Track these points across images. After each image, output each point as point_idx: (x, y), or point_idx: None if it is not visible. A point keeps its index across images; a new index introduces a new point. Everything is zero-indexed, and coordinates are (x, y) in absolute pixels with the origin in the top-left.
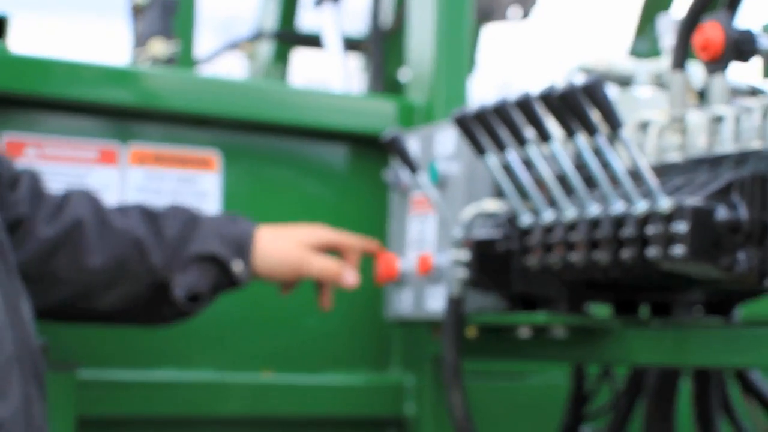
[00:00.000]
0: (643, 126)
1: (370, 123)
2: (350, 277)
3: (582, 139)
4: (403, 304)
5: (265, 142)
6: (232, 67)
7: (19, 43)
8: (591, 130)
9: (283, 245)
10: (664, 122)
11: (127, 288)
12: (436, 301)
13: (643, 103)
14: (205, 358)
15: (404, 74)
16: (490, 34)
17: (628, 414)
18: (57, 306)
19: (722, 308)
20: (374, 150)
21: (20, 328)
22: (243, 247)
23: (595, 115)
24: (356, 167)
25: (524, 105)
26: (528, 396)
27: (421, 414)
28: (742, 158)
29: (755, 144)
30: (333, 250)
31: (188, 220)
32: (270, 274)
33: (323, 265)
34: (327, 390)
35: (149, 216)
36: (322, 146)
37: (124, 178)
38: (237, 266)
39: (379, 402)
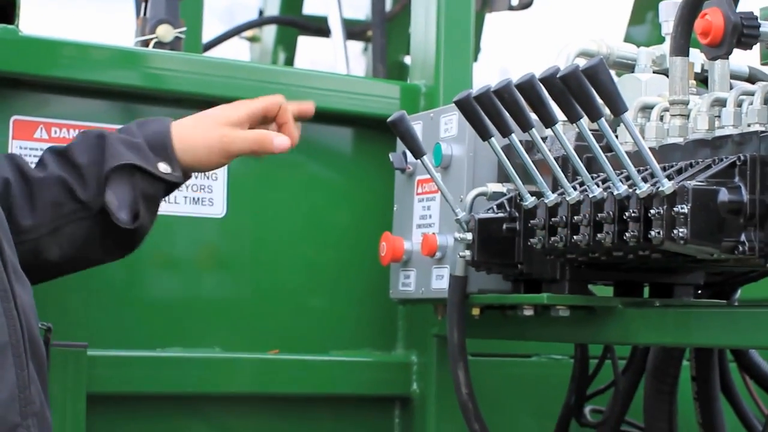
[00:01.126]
0: (645, 109)
1: (375, 106)
2: (279, 140)
3: (585, 122)
4: (408, 284)
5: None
6: (237, 54)
7: (28, 27)
8: (594, 113)
9: (203, 132)
10: (665, 105)
11: (71, 230)
12: (440, 281)
13: (644, 86)
14: (213, 338)
15: (408, 59)
16: (494, 21)
17: (630, 393)
18: None
19: (723, 290)
20: (379, 133)
21: (15, 315)
22: (163, 147)
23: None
24: (361, 150)
25: (527, 88)
26: (532, 373)
27: (425, 392)
28: (742, 140)
29: (756, 127)
30: (265, 122)
31: (96, 141)
32: (199, 163)
33: (247, 137)
34: (333, 368)
35: (61, 154)
36: (327, 129)
37: None
38: (163, 168)
39: (385, 380)
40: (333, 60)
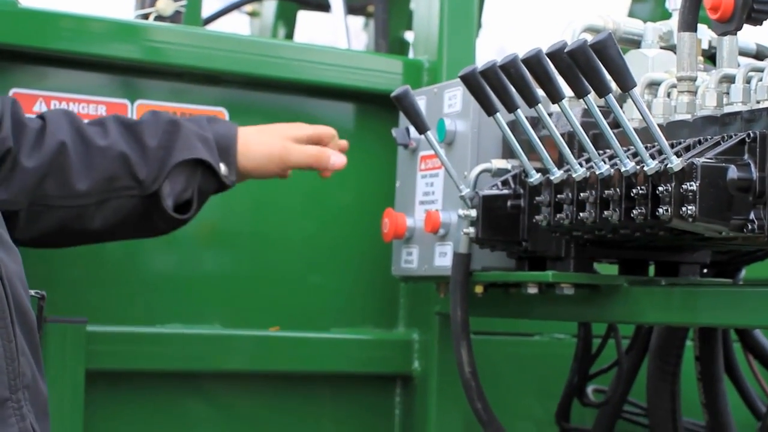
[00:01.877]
0: (652, 85)
1: (378, 81)
2: (336, 158)
3: (592, 98)
4: (410, 261)
5: (272, 100)
6: (237, 28)
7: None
8: (602, 89)
9: (266, 139)
10: (672, 81)
11: (118, 204)
12: (443, 259)
13: (651, 62)
14: (213, 315)
15: (408, 35)
16: None
17: (633, 373)
18: (53, 231)
19: (727, 270)
20: (382, 108)
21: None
22: (227, 149)
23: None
24: (364, 125)
25: (534, 63)
26: (534, 352)
27: (427, 370)
28: (752, 117)
29: (765, 104)
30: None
31: (168, 127)
32: (257, 170)
33: (307, 151)
34: (334, 346)
35: (129, 128)
36: (329, 104)
37: None
38: (223, 169)
39: (386, 358)
40: (333, 35)
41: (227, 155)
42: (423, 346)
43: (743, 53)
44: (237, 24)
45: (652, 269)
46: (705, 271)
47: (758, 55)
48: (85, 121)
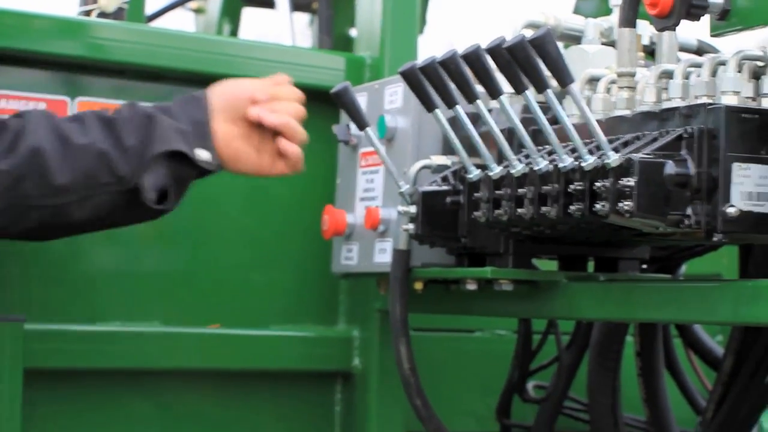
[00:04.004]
0: (592, 81)
1: (320, 78)
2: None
3: (531, 94)
4: (350, 258)
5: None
6: (182, 25)
7: None
8: (540, 84)
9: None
10: (612, 77)
11: (100, 200)
12: (383, 255)
13: (591, 58)
14: (153, 312)
15: (354, 32)
16: None
17: (573, 369)
18: (36, 227)
19: (668, 265)
20: (324, 105)
21: None
22: (204, 136)
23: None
24: (306, 122)
25: (473, 59)
26: (475, 349)
27: (367, 367)
28: (690, 112)
29: (703, 99)
30: None
31: (145, 121)
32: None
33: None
34: (274, 343)
35: (107, 124)
36: None
37: None
38: (204, 155)
39: (327, 355)
40: (279, 32)
41: (204, 141)
42: (363, 343)
43: (685, 49)
44: (182, 21)
45: (592, 265)
46: (645, 266)
47: (699, 51)
48: (64, 118)
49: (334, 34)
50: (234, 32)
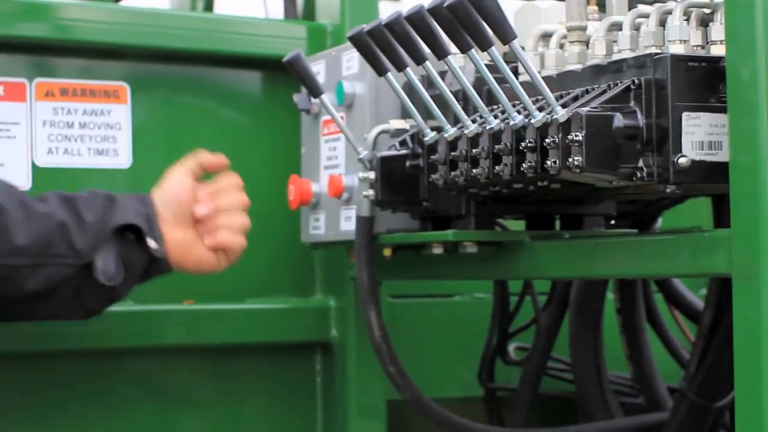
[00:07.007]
0: (545, 37)
1: (282, 48)
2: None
3: (476, 53)
4: (318, 227)
5: (177, 71)
6: (154, 2)
7: None
8: (483, 42)
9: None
10: (564, 32)
11: (53, 270)
12: (348, 223)
13: (544, 14)
14: None
15: None
16: None
17: (553, 329)
18: None
19: (642, 220)
20: (287, 75)
21: None
22: (151, 225)
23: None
24: (270, 93)
25: (417, 20)
26: (454, 313)
27: (344, 336)
28: (638, 63)
29: (651, 50)
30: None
31: (106, 201)
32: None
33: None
34: (251, 316)
35: (68, 201)
36: (234, 73)
37: (32, 113)
38: (152, 243)
39: (304, 326)
40: (251, 5)
41: (153, 231)
42: (340, 313)
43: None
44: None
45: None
46: (613, 222)
47: (654, 1)
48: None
49: (305, 4)
50: (208, 8)
